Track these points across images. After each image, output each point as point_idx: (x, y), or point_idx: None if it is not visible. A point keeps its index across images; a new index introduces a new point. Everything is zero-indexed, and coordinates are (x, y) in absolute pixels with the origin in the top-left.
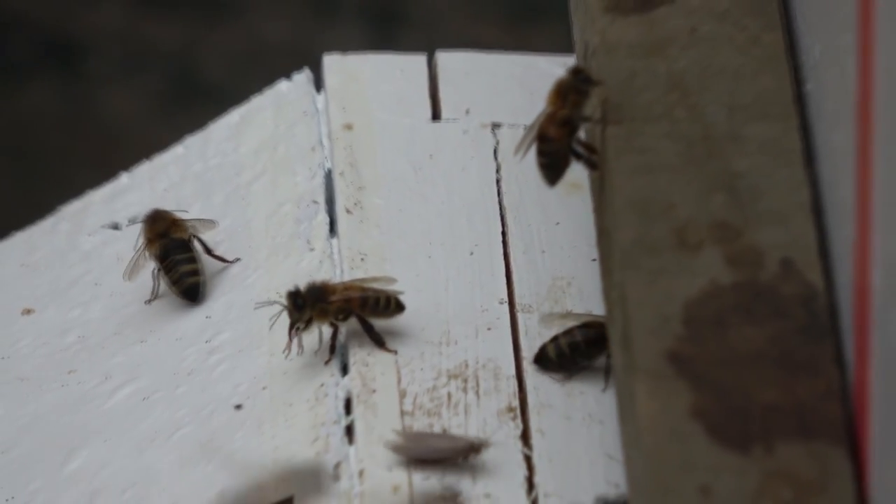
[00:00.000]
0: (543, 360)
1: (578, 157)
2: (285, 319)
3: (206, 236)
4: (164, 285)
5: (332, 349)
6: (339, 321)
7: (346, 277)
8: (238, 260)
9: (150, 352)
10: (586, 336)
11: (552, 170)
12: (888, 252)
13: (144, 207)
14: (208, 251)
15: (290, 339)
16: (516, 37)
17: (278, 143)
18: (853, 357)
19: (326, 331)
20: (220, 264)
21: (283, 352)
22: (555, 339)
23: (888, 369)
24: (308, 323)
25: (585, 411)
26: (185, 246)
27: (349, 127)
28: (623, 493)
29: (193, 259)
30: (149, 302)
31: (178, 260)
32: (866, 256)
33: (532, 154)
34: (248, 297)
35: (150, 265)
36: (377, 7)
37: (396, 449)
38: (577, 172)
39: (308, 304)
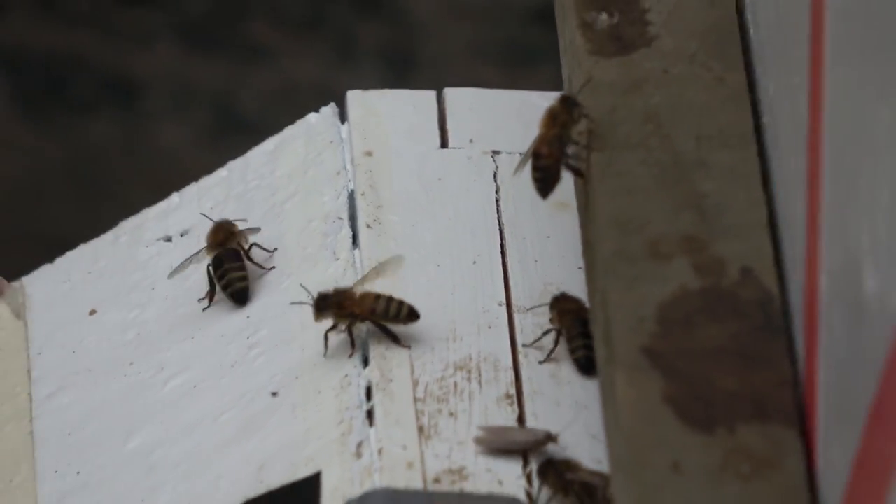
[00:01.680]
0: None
1: (569, 167)
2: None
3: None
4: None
5: (353, 345)
6: (358, 322)
7: (367, 284)
8: (274, 268)
9: (199, 347)
10: None
11: (545, 183)
12: (834, 262)
13: (192, 223)
14: (250, 259)
15: (326, 338)
16: (513, 76)
17: (308, 168)
18: (803, 352)
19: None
20: (260, 270)
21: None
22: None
23: (832, 362)
24: (335, 323)
25: (573, 398)
26: (237, 255)
27: (369, 154)
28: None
29: (243, 267)
30: (206, 305)
31: (231, 268)
32: (815, 266)
33: (526, 177)
34: (282, 300)
35: (192, 268)
36: (393, 51)
37: (480, 441)
38: (564, 193)
39: (331, 307)
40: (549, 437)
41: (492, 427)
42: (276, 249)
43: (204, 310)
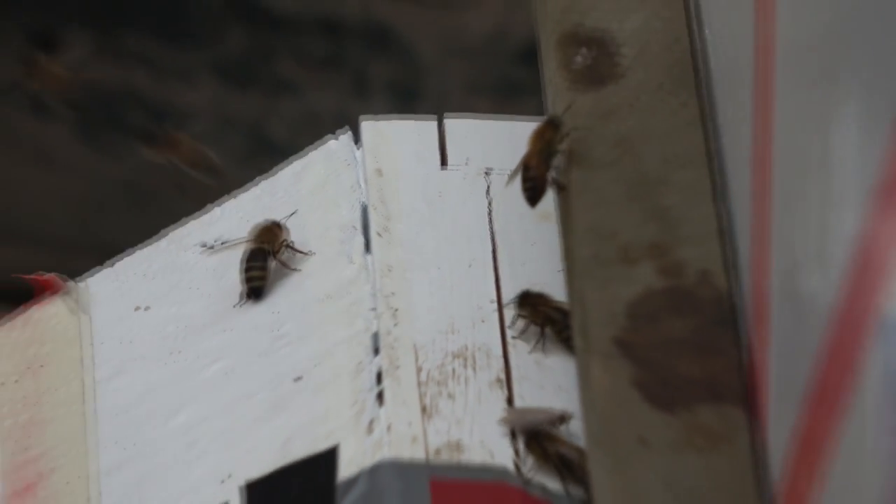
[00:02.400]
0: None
1: (552, 182)
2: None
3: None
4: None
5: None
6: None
7: (378, 284)
8: (299, 270)
9: (233, 338)
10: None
11: (534, 192)
12: (780, 267)
13: (230, 232)
14: (279, 260)
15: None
16: (502, 106)
17: (327, 185)
18: (751, 343)
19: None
20: (287, 270)
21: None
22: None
23: (779, 352)
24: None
25: (555, 383)
26: (263, 255)
27: (380, 172)
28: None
29: (264, 267)
30: (239, 298)
31: (253, 266)
32: (765, 268)
33: (514, 192)
34: (305, 298)
35: (229, 269)
36: (400, 85)
37: (504, 421)
38: (547, 206)
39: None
40: (564, 416)
41: (514, 409)
42: (312, 252)
43: (234, 306)
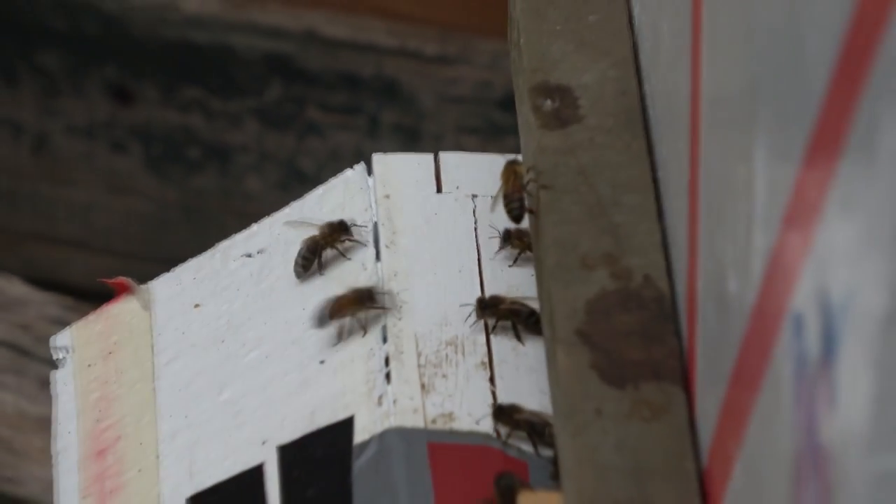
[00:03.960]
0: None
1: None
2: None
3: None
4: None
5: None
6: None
7: (386, 286)
8: (349, 258)
9: (270, 330)
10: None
11: (520, 212)
12: (707, 273)
13: (267, 245)
14: (319, 257)
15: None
16: (488, 144)
17: (345, 206)
18: (685, 333)
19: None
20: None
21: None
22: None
23: (706, 341)
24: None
25: (527, 365)
26: (314, 249)
27: (387, 196)
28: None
29: (310, 258)
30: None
31: (301, 252)
32: (693, 275)
33: (498, 212)
34: (328, 296)
35: (266, 275)
36: (405, 128)
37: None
38: (522, 223)
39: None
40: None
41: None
42: (365, 243)
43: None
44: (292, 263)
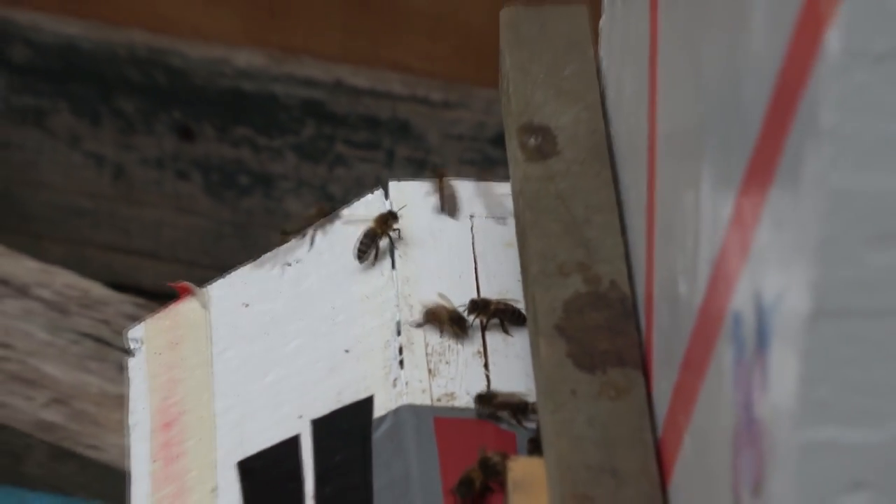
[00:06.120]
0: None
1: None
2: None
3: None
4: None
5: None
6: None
7: (399, 290)
8: (397, 249)
9: (306, 324)
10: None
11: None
12: (661, 277)
13: (304, 255)
14: (389, 238)
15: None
16: (483, 174)
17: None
18: (644, 327)
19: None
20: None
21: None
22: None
23: (660, 334)
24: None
25: (515, 353)
26: (373, 237)
27: (401, 216)
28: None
29: (369, 244)
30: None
31: (361, 240)
32: (650, 280)
33: (491, 227)
34: (352, 298)
35: (303, 281)
36: (415, 160)
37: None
38: (511, 238)
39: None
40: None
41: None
42: (403, 240)
43: (362, 267)
44: (324, 270)
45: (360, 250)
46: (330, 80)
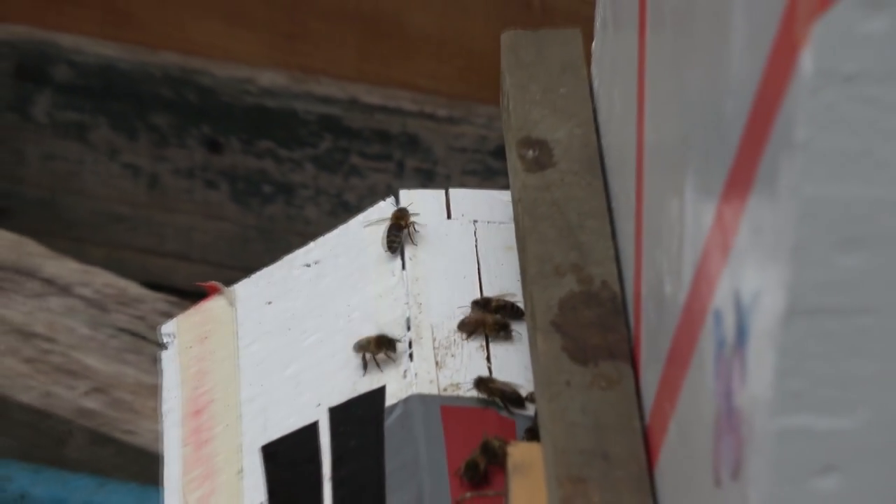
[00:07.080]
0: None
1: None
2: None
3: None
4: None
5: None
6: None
7: (409, 289)
8: (416, 244)
9: (324, 320)
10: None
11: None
12: (648, 277)
13: (322, 258)
14: (409, 232)
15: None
16: (485, 183)
17: (380, 228)
18: (633, 324)
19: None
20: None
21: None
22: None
23: (648, 330)
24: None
25: (514, 347)
26: (399, 228)
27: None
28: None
29: (398, 235)
30: (394, 250)
31: (391, 234)
32: (638, 280)
33: (494, 231)
34: (366, 297)
35: (319, 283)
36: (423, 171)
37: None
38: (511, 241)
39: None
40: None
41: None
42: (420, 233)
43: (389, 256)
44: (341, 271)
45: (389, 241)
46: (345, 97)
